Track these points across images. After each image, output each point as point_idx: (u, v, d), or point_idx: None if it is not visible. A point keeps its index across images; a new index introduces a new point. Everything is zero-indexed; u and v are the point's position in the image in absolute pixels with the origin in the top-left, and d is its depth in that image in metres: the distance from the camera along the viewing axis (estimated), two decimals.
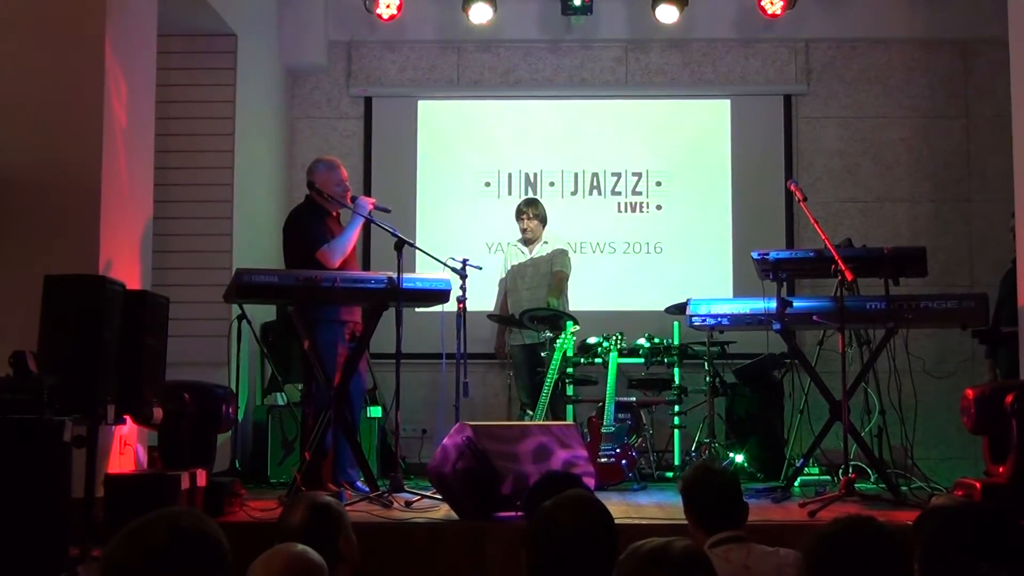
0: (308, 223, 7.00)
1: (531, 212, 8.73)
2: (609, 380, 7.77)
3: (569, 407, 8.23)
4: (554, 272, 8.66)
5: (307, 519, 3.33)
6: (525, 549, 2.89)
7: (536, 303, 8.47)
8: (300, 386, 8.09)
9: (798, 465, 7.14)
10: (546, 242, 8.79)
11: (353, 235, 6.99)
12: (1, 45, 5.92)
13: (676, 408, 8.20)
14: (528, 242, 8.78)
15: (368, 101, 10.22)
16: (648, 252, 10.01)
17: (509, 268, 8.87)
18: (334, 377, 6.67)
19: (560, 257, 8.73)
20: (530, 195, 9.76)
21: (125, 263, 6.16)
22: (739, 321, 7.23)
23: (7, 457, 4.56)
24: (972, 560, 2.36)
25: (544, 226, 8.78)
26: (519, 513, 5.51)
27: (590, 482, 6.00)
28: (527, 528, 2.94)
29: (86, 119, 5.99)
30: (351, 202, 7.01)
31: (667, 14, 9.51)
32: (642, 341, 8.18)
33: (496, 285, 9.01)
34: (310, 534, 3.20)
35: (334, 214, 7.10)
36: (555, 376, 7.77)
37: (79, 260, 5.67)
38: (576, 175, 10.12)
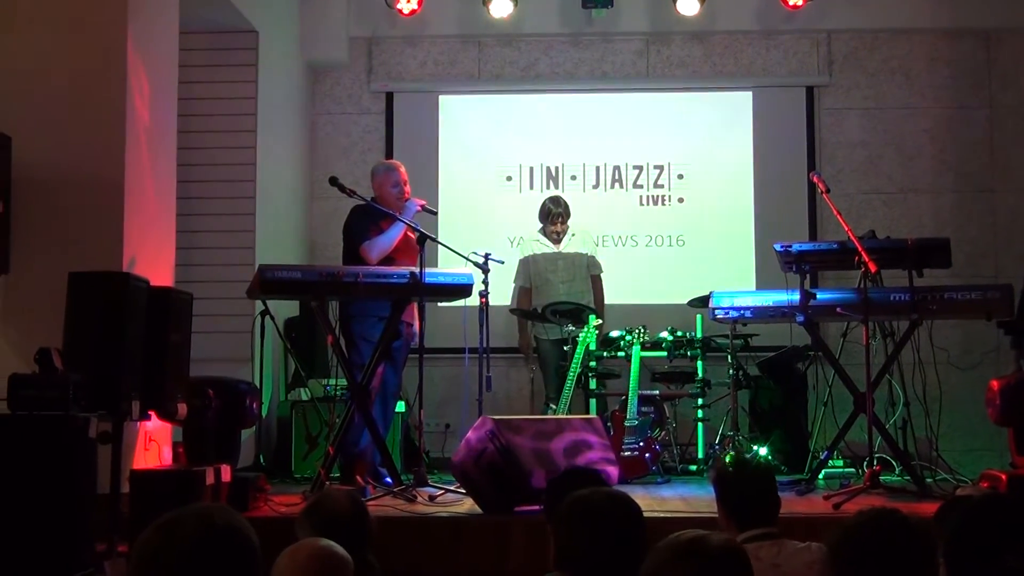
0: (358, 220, 7.16)
1: (560, 214, 8.70)
2: (632, 373, 7.76)
3: (592, 401, 8.22)
4: (593, 278, 8.76)
5: (353, 506, 3.36)
6: (555, 534, 2.89)
7: (573, 298, 8.51)
8: (324, 381, 8.12)
9: (822, 458, 7.11)
10: (574, 234, 8.79)
11: (395, 235, 7.05)
12: (24, 44, 5.95)
13: (699, 401, 8.18)
14: (557, 239, 8.76)
15: (389, 96, 10.22)
16: (670, 245, 9.99)
17: (530, 258, 8.84)
18: (369, 371, 6.69)
19: (596, 262, 8.80)
20: (551, 190, 9.73)
21: (149, 260, 6.18)
22: (762, 313, 7.22)
23: (34, 453, 4.60)
24: (996, 552, 2.35)
25: (569, 218, 8.78)
26: (542, 506, 5.51)
27: (613, 476, 6.01)
28: (559, 514, 2.93)
29: (109, 117, 6.01)
30: (406, 202, 7.11)
31: (688, 6, 9.49)
32: (665, 334, 8.16)
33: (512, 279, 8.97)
34: (357, 520, 3.23)
35: (396, 213, 7.13)
36: (578, 370, 7.77)
37: (103, 257, 5.69)
38: (598, 168, 10.10)
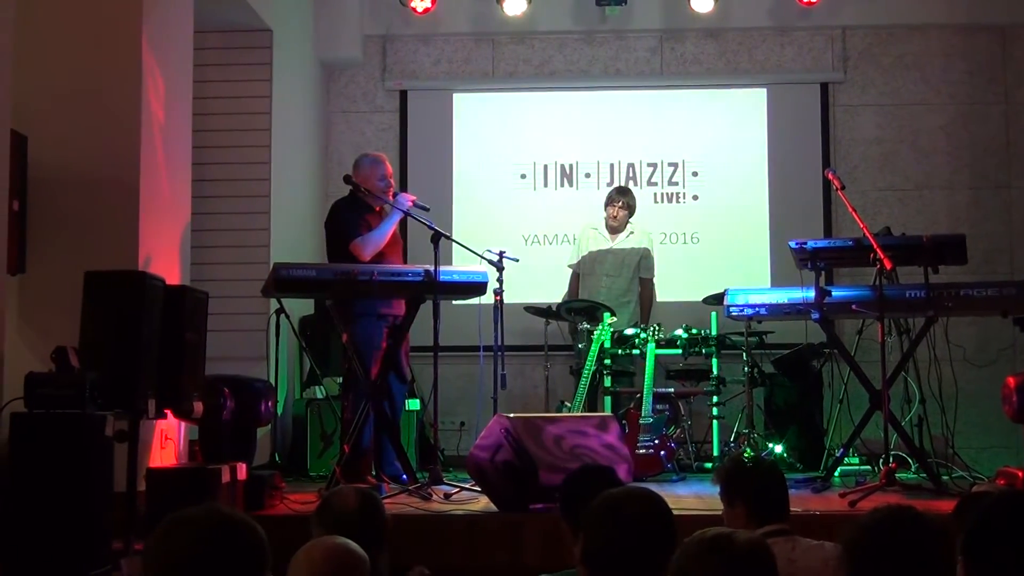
0: (345, 216, 7.06)
1: (623, 201, 8.72)
2: (647, 371, 7.75)
3: (607, 398, 8.21)
4: (643, 280, 8.78)
5: (362, 503, 3.35)
6: (583, 533, 2.89)
7: (615, 292, 8.56)
8: (339, 379, 8.13)
9: (838, 455, 7.10)
10: (632, 232, 8.80)
11: (388, 230, 7.02)
12: (39, 43, 5.95)
13: (714, 399, 8.15)
14: (614, 230, 8.77)
15: (403, 94, 10.23)
16: (685, 242, 9.98)
17: (586, 252, 8.85)
18: (372, 371, 6.69)
19: (649, 265, 8.81)
20: (566, 188, 9.74)
21: (164, 258, 6.20)
22: (777, 311, 7.20)
23: (50, 451, 4.61)
24: (1015, 549, 2.34)
25: (631, 215, 8.79)
26: (557, 504, 5.51)
27: (628, 473, 6.01)
28: (587, 512, 2.93)
29: (124, 115, 6.03)
30: (392, 198, 7.06)
31: (702, 3, 9.47)
32: (680, 332, 8.14)
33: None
34: (365, 517, 3.22)
35: (376, 209, 7.12)
36: (592, 368, 7.76)
37: (119, 256, 5.71)
38: (612, 166, 10.09)
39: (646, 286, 8.83)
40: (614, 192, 8.88)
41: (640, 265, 8.77)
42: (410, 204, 7.02)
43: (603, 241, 8.81)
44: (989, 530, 2.39)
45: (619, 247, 8.76)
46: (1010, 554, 2.34)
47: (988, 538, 2.37)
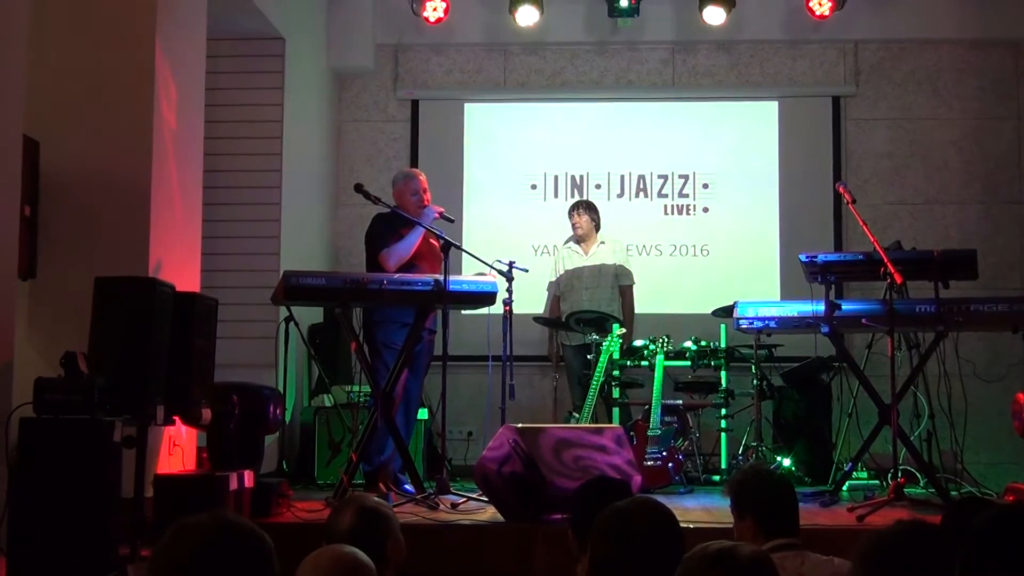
0: (377, 228, 7.16)
1: (580, 209, 8.83)
2: (655, 383, 7.74)
3: (615, 410, 8.20)
4: (623, 288, 8.81)
5: (355, 522, 3.33)
6: (592, 545, 2.88)
7: (596, 304, 8.55)
8: (347, 388, 8.13)
9: (846, 469, 7.09)
10: (603, 242, 8.82)
11: (413, 241, 7.03)
12: (52, 48, 5.97)
13: (723, 411, 8.14)
14: (581, 240, 8.80)
15: (415, 104, 10.25)
16: (695, 254, 9.98)
17: (563, 271, 8.88)
18: (393, 378, 6.70)
19: (625, 272, 8.83)
20: (576, 199, 9.75)
21: (175, 265, 6.20)
22: (787, 324, 7.19)
23: (59, 457, 4.62)
24: (1018, 565, 2.33)
25: (597, 229, 8.81)
26: (565, 515, 5.49)
27: (636, 485, 5.99)
28: (595, 525, 2.92)
29: (136, 122, 6.03)
30: (424, 209, 7.11)
31: (714, 16, 9.47)
32: (689, 344, 8.13)
33: (545, 289, 9.03)
34: (358, 537, 3.20)
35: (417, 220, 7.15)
36: (601, 379, 7.76)
37: (129, 262, 5.71)
38: (623, 177, 10.10)
39: (626, 294, 8.86)
40: (571, 205, 9.00)
41: (618, 274, 8.80)
42: (436, 215, 7.08)
43: (578, 258, 8.87)
44: (990, 543, 2.38)
45: (593, 260, 8.81)
46: (1011, 568, 2.33)
47: (989, 551, 2.36)
